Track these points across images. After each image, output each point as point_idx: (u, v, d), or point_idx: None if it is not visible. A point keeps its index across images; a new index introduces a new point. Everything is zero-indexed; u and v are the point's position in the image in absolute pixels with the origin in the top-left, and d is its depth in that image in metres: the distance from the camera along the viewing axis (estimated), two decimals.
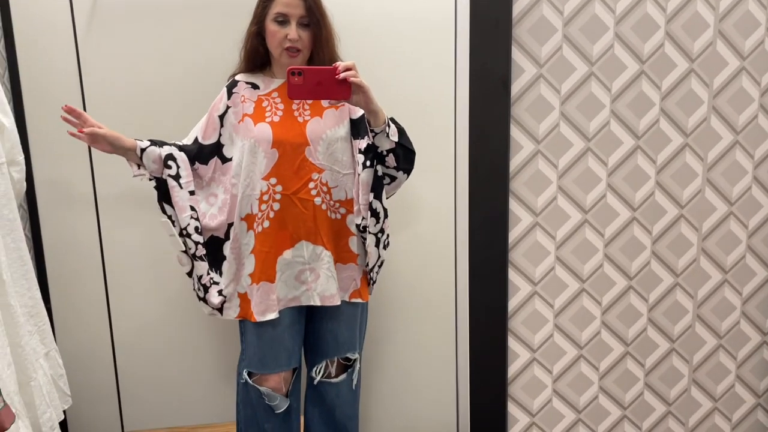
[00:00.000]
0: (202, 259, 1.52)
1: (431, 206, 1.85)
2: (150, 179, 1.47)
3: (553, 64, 1.36)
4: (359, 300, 1.59)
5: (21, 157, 1.79)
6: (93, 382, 1.96)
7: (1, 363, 1.49)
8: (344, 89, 1.32)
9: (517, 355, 1.51)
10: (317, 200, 1.50)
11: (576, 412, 1.56)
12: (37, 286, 1.78)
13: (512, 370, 1.52)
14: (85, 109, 1.86)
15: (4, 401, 1.49)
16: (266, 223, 1.52)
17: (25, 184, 1.81)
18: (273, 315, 1.53)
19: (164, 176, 1.46)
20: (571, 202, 1.43)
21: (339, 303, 1.56)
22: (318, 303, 1.56)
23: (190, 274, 1.59)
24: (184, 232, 1.50)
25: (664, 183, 1.44)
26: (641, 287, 1.49)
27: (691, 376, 1.56)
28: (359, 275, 1.59)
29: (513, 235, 1.44)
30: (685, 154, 1.43)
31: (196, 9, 1.74)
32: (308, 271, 1.54)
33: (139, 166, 1.47)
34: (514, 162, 1.40)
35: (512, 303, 1.47)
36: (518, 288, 1.46)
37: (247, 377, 1.60)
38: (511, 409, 1.55)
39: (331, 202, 1.52)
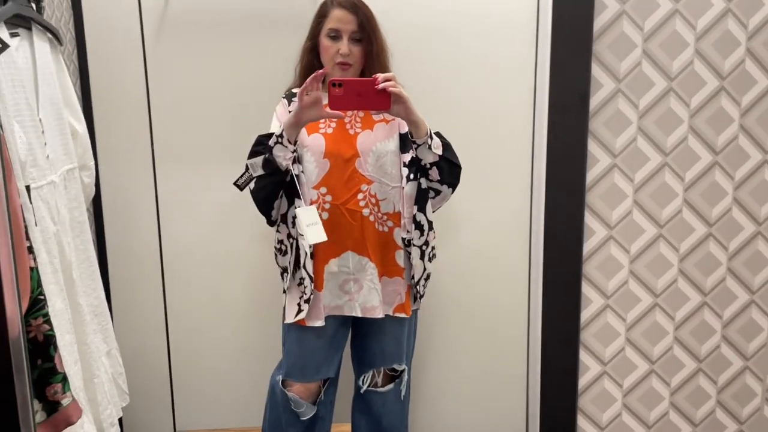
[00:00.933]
0: (313, 257, 1.53)
1: (505, 217, 1.86)
2: (284, 169, 1.45)
3: (632, 80, 1.37)
4: (403, 315, 1.58)
5: (92, 162, 1.82)
6: (148, 381, 1.99)
7: (69, 359, 1.51)
8: (384, 100, 1.34)
9: (588, 367, 1.50)
10: (365, 211, 1.51)
11: (646, 428, 1.55)
12: (102, 287, 1.81)
13: (582, 382, 1.51)
14: (150, 117, 1.89)
15: (72, 396, 1.52)
16: None
17: (94, 188, 1.84)
18: (320, 322, 1.54)
19: (297, 172, 1.47)
20: (647, 217, 1.42)
21: (381, 316, 1.56)
22: (359, 314, 1.56)
23: (287, 271, 1.58)
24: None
25: (741, 199, 1.43)
26: (716, 304, 1.48)
27: (765, 395, 1.54)
28: (404, 289, 1.59)
29: (587, 247, 1.44)
30: (764, 171, 1.42)
31: (259, 24, 1.78)
32: (352, 282, 1.55)
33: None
34: (591, 175, 1.40)
35: (584, 315, 1.47)
36: (590, 301, 1.46)
37: (279, 380, 1.59)
38: (581, 422, 1.54)
39: (379, 215, 1.52)
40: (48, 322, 1.48)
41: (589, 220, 1.42)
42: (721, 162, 1.41)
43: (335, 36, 1.51)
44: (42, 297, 1.47)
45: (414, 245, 1.53)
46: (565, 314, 1.44)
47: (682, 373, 1.51)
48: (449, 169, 1.49)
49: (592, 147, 1.39)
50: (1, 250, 1.24)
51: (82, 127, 1.79)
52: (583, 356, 1.48)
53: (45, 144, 1.57)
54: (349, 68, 1.51)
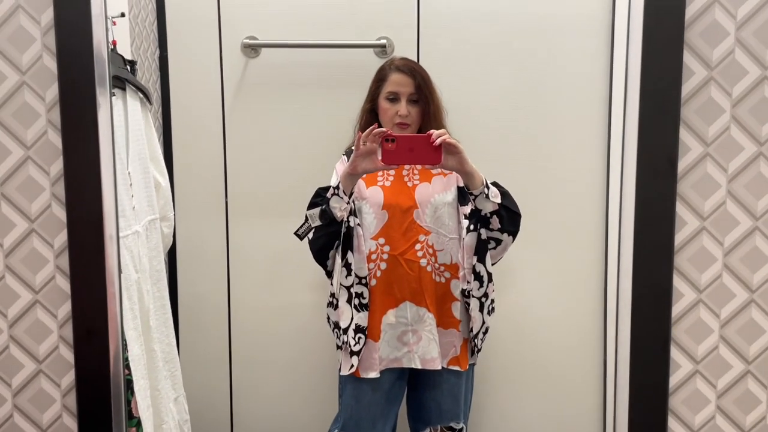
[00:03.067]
0: (367, 309, 1.53)
1: (578, 276, 1.84)
2: (339, 219, 1.48)
3: (720, 144, 1.35)
4: (457, 368, 1.57)
5: (172, 214, 1.85)
6: (210, 430, 1.96)
7: (142, 404, 1.51)
8: (435, 154, 1.38)
9: None
10: (423, 262, 1.53)
11: None
12: (174, 334, 1.81)
13: None
14: (226, 172, 1.92)
15: None
16: (373, 282, 1.53)
17: (172, 238, 1.86)
18: (374, 374, 1.53)
19: (353, 224, 1.49)
20: (738, 281, 1.37)
21: (439, 367, 1.54)
22: (419, 366, 1.55)
23: (338, 327, 1.57)
24: (364, 282, 1.51)
25: None
26: None
27: None
28: (459, 342, 1.58)
29: (676, 310, 1.38)
30: None
31: (326, 87, 1.91)
32: (411, 333, 1.55)
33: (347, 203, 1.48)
34: (679, 237, 1.37)
35: (672, 380, 1.40)
36: (679, 365, 1.40)
37: None
38: None
39: (437, 265, 1.54)
40: (127, 366, 1.48)
41: (677, 282, 1.37)
42: None
43: (394, 98, 1.58)
44: (123, 342, 1.46)
45: (473, 296, 1.53)
46: (653, 380, 1.38)
47: None
48: (509, 217, 1.51)
49: (680, 209, 1.36)
50: (109, 294, 1.24)
51: (164, 180, 1.83)
52: (672, 423, 1.40)
53: (132, 196, 1.60)
54: (407, 128, 1.57)
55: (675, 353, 1.39)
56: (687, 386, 1.40)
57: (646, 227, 1.35)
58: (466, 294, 1.54)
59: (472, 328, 1.55)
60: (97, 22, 1.26)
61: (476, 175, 1.45)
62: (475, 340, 1.56)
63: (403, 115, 1.56)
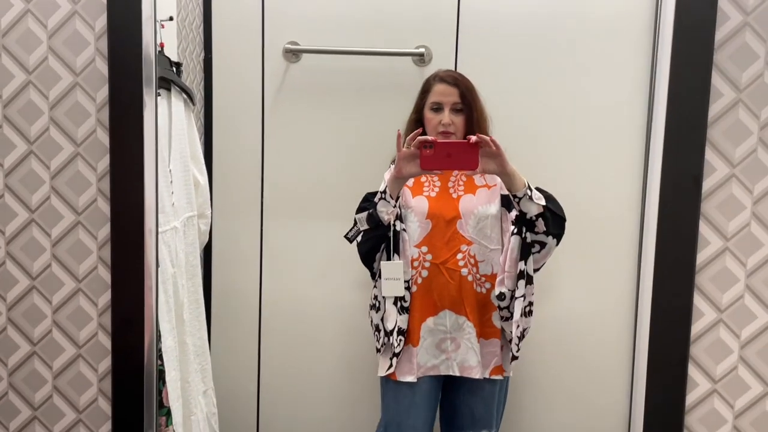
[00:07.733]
0: (408, 312, 1.55)
1: (612, 288, 1.84)
2: (386, 223, 1.49)
3: (746, 166, 1.35)
4: (499, 377, 1.56)
5: (209, 212, 1.92)
6: (236, 424, 2.00)
7: (173, 395, 1.56)
8: (472, 160, 1.39)
9: None
10: (464, 271, 1.54)
11: None
12: (206, 328, 1.87)
13: None
14: (263, 173, 1.98)
15: (173, 431, 1.56)
16: (414, 288, 1.55)
17: (208, 236, 1.92)
18: (411, 378, 1.54)
19: (399, 229, 1.51)
20: (759, 303, 1.37)
21: (478, 376, 1.54)
22: (457, 373, 1.55)
23: (379, 329, 1.59)
24: (406, 285, 1.53)
25: None
26: None
27: None
28: (500, 351, 1.57)
29: (695, 329, 1.38)
30: None
31: (368, 92, 1.91)
32: (449, 341, 1.56)
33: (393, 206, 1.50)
34: (701, 257, 1.37)
35: (690, 399, 1.40)
36: (697, 384, 1.40)
37: None
38: None
39: (478, 275, 1.55)
40: (160, 357, 1.54)
41: (698, 301, 1.37)
42: None
43: (437, 108, 1.60)
44: (157, 333, 1.53)
45: (516, 297, 1.51)
46: (670, 399, 1.39)
47: None
48: (554, 220, 1.50)
49: (704, 229, 1.36)
50: (147, 286, 1.31)
51: (204, 179, 1.90)
52: None
53: (172, 193, 1.67)
54: (451, 137, 1.58)
55: (693, 371, 1.39)
56: (704, 405, 1.40)
57: (668, 244, 1.36)
58: (502, 297, 1.53)
59: (514, 328, 1.52)
60: (146, 24, 1.32)
61: (517, 177, 1.46)
62: (512, 345, 1.54)
63: (446, 123, 1.57)
